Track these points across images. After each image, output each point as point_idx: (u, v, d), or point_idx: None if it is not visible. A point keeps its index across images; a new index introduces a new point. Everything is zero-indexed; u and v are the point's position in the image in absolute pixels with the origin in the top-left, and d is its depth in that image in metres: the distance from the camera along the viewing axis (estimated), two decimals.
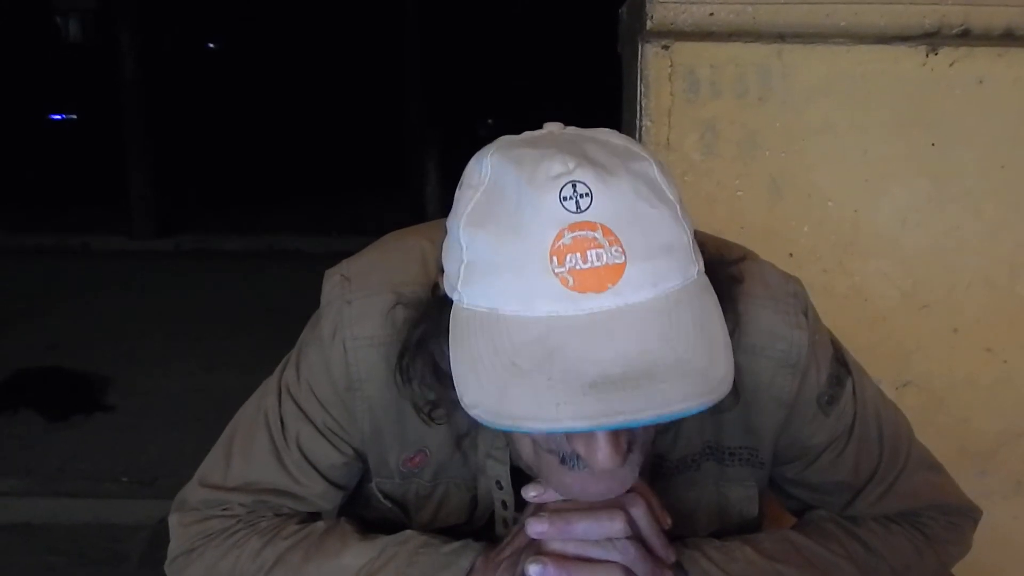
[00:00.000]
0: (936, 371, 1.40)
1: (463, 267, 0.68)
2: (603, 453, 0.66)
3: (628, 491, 0.76)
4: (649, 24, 1.25)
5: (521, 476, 0.85)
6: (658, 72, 1.26)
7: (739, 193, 1.31)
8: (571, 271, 0.63)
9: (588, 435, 0.67)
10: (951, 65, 1.28)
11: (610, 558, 0.75)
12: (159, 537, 0.92)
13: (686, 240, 0.68)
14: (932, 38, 1.26)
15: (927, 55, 1.27)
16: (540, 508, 0.77)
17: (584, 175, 0.65)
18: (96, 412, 3.65)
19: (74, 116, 9.85)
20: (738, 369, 0.79)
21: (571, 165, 0.65)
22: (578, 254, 0.63)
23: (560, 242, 0.64)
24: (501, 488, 0.86)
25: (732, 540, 0.84)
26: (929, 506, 0.91)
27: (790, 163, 1.31)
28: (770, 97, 1.28)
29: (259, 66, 9.62)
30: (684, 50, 1.26)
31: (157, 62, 6.65)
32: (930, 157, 1.31)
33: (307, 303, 0.91)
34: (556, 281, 0.63)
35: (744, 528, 0.89)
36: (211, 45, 10.56)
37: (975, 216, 1.33)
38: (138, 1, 6.36)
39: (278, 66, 9.54)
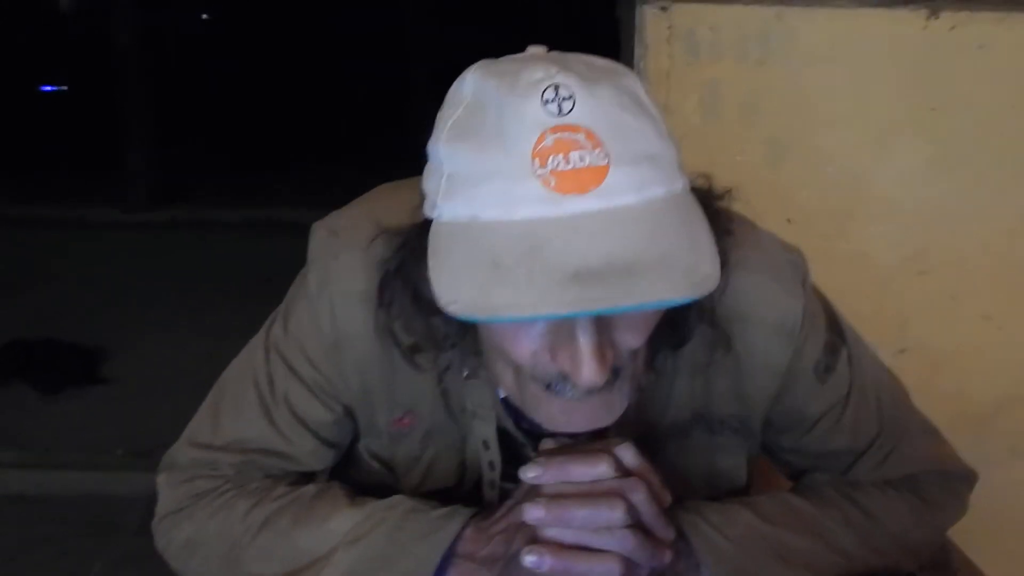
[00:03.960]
0: (934, 337, 1.40)
1: (443, 180, 0.66)
2: (589, 366, 0.65)
3: (627, 475, 0.74)
4: None
5: (510, 438, 0.85)
6: (657, 34, 1.25)
7: (738, 157, 1.30)
8: (553, 172, 0.61)
9: (573, 349, 0.65)
10: (951, 29, 1.27)
11: (608, 547, 0.73)
12: (155, 508, 0.91)
13: (672, 155, 0.67)
14: (933, 1, 1.25)
15: (927, 19, 1.26)
16: (535, 491, 0.75)
17: (567, 79, 0.63)
18: (91, 384, 3.61)
19: (65, 88, 9.74)
20: (730, 336, 0.79)
21: (553, 71, 0.64)
22: (561, 155, 0.62)
23: (542, 144, 0.62)
24: (488, 448, 0.85)
25: (731, 503, 0.84)
26: (927, 471, 0.91)
27: (790, 127, 1.30)
28: (771, 60, 1.26)
29: (255, 36, 9.50)
30: (683, 12, 1.24)
31: (150, 32, 6.56)
32: (931, 122, 1.30)
33: None
34: (538, 183, 0.61)
35: (733, 495, 0.88)
36: (205, 16, 10.44)
37: (976, 181, 1.33)
38: None
39: (274, 36, 9.43)
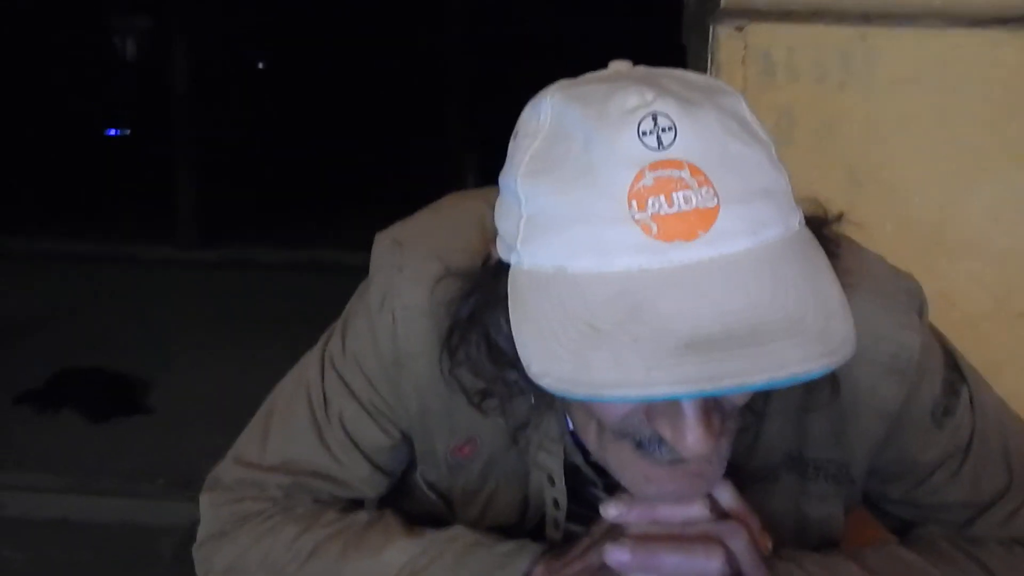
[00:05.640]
0: None
1: (522, 223, 0.58)
2: (693, 435, 0.57)
3: (723, 517, 0.66)
4: (722, 3, 1.18)
5: (577, 474, 0.77)
6: (731, 55, 1.19)
7: (814, 186, 1.23)
8: (654, 217, 0.54)
9: (674, 414, 0.58)
10: None
11: None
12: (192, 539, 0.86)
13: (785, 186, 0.59)
14: None
15: (1022, 38, 1.18)
16: (617, 529, 0.68)
17: (666, 106, 0.55)
18: (136, 413, 3.66)
19: (127, 131, 10.11)
20: (836, 377, 0.69)
21: (649, 96, 0.56)
22: (662, 196, 0.54)
23: (640, 183, 0.54)
24: (553, 485, 0.77)
25: (833, 554, 0.75)
26: None
27: (871, 154, 1.22)
28: (852, 83, 1.20)
29: (305, 84, 9.76)
30: (759, 31, 1.19)
31: (207, 79, 6.77)
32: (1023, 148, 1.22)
33: None
34: (637, 229, 0.54)
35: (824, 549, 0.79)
36: (260, 65, 10.75)
37: None
38: (191, 21, 6.50)
39: (323, 84, 9.68)
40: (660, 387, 0.51)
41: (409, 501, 0.84)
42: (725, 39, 1.20)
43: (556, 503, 0.78)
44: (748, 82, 1.21)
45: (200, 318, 5.00)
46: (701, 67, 1.27)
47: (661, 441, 0.60)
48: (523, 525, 0.80)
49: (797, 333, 0.52)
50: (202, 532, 0.83)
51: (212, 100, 7.04)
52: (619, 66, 0.65)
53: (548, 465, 0.77)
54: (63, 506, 2.91)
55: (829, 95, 1.21)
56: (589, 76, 0.64)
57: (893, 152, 1.23)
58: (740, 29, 1.19)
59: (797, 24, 1.19)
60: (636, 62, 0.67)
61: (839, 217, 0.69)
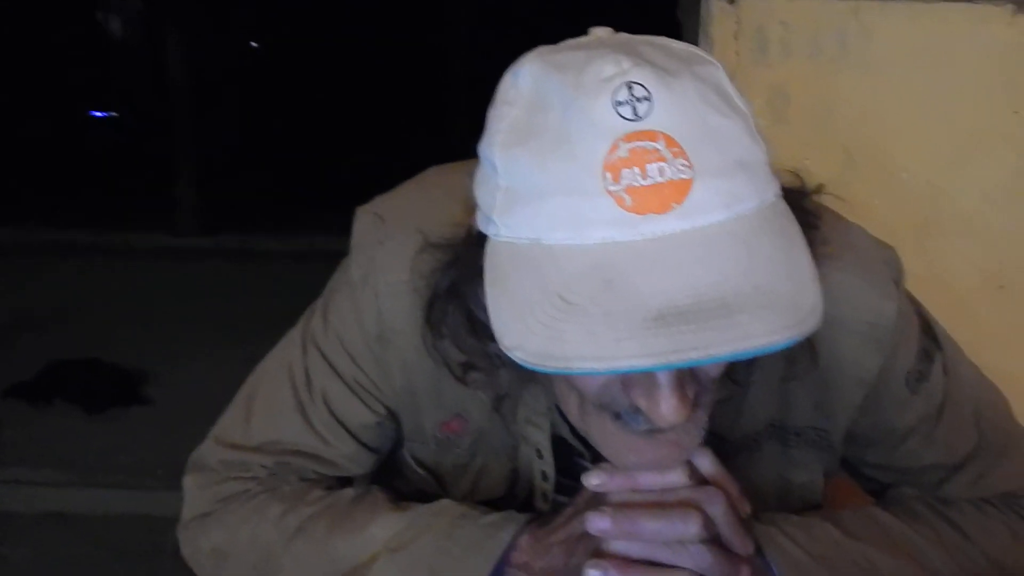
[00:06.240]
0: (1013, 361, 1.29)
1: (500, 193, 0.58)
2: (667, 404, 0.58)
3: (702, 483, 0.67)
4: None
5: (565, 446, 0.78)
6: (723, 30, 1.19)
7: (807, 162, 1.23)
8: (629, 189, 0.54)
9: (649, 384, 0.58)
10: None
11: (681, 563, 0.66)
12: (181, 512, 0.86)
13: (762, 157, 0.58)
14: None
15: (1014, 14, 1.18)
16: (599, 498, 0.69)
17: (642, 75, 0.55)
18: (134, 405, 3.64)
19: (116, 114, 9.95)
20: (815, 346, 0.70)
21: (626, 65, 0.55)
22: (637, 169, 0.54)
23: (615, 155, 0.54)
24: (541, 457, 0.78)
25: (811, 516, 0.76)
26: None
27: (865, 132, 1.22)
28: (845, 59, 1.19)
29: (302, 66, 9.68)
30: (753, 6, 1.18)
31: (201, 61, 6.70)
32: (1016, 128, 1.22)
33: None
34: (611, 201, 0.54)
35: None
36: (254, 44, 10.62)
37: None
38: (183, 1, 6.43)
39: (321, 67, 9.60)
40: (628, 360, 0.52)
41: (398, 479, 0.85)
42: (718, 14, 1.19)
43: (544, 475, 0.79)
44: (741, 58, 1.20)
45: (198, 307, 4.98)
46: (694, 43, 1.26)
47: (638, 411, 0.61)
48: (512, 498, 0.81)
49: (766, 305, 0.53)
50: (186, 513, 0.83)
51: (207, 82, 6.96)
52: (599, 32, 0.65)
53: (536, 438, 0.77)
54: (62, 500, 2.89)
55: (823, 71, 1.20)
56: (569, 43, 0.63)
57: (886, 129, 1.22)
58: (733, 3, 1.18)
59: None
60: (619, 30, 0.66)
61: (819, 188, 0.69)
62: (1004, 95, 1.21)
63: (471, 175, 0.68)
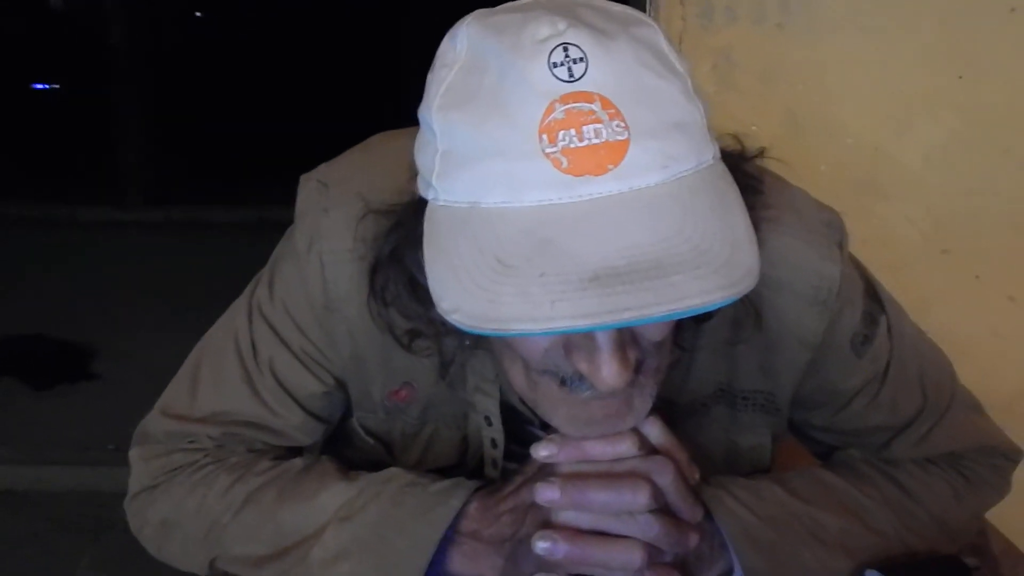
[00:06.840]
0: (957, 320, 1.33)
1: (437, 157, 0.57)
2: (608, 368, 0.58)
3: (651, 452, 0.68)
4: None
5: (514, 413, 0.78)
6: None
7: (754, 127, 1.23)
8: (564, 151, 0.53)
9: (590, 348, 0.58)
10: None
11: (630, 533, 0.66)
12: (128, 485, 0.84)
13: (700, 119, 0.58)
14: None
15: None
16: (549, 468, 0.69)
17: (577, 36, 0.55)
18: (82, 380, 3.57)
19: (57, 86, 9.67)
20: (759, 309, 0.71)
21: (561, 26, 0.55)
22: (573, 130, 0.53)
23: (551, 117, 0.53)
24: (490, 425, 0.78)
25: (760, 479, 0.77)
26: (972, 448, 0.84)
27: (810, 96, 1.23)
28: (789, 24, 1.20)
29: (248, 35, 9.46)
30: None
31: (143, 30, 6.50)
32: (957, 91, 1.24)
33: None
34: (547, 163, 0.53)
35: None
36: (198, 14, 10.36)
37: (1003, 155, 1.26)
38: None
39: (268, 35, 9.38)
40: (563, 321, 0.51)
41: (348, 448, 0.84)
42: None
43: (494, 443, 0.79)
44: (687, 23, 1.20)
45: (146, 280, 4.90)
46: (641, 9, 1.25)
47: (582, 377, 0.61)
48: (463, 466, 0.81)
49: (701, 265, 0.53)
50: (133, 486, 0.82)
51: (150, 51, 6.76)
52: None
53: (485, 405, 0.77)
54: (10, 477, 2.84)
55: (768, 37, 1.21)
56: (507, 5, 0.62)
57: (830, 93, 1.24)
58: None
59: None
60: None
61: (761, 152, 0.69)
62: (948, 60, 1.22)
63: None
